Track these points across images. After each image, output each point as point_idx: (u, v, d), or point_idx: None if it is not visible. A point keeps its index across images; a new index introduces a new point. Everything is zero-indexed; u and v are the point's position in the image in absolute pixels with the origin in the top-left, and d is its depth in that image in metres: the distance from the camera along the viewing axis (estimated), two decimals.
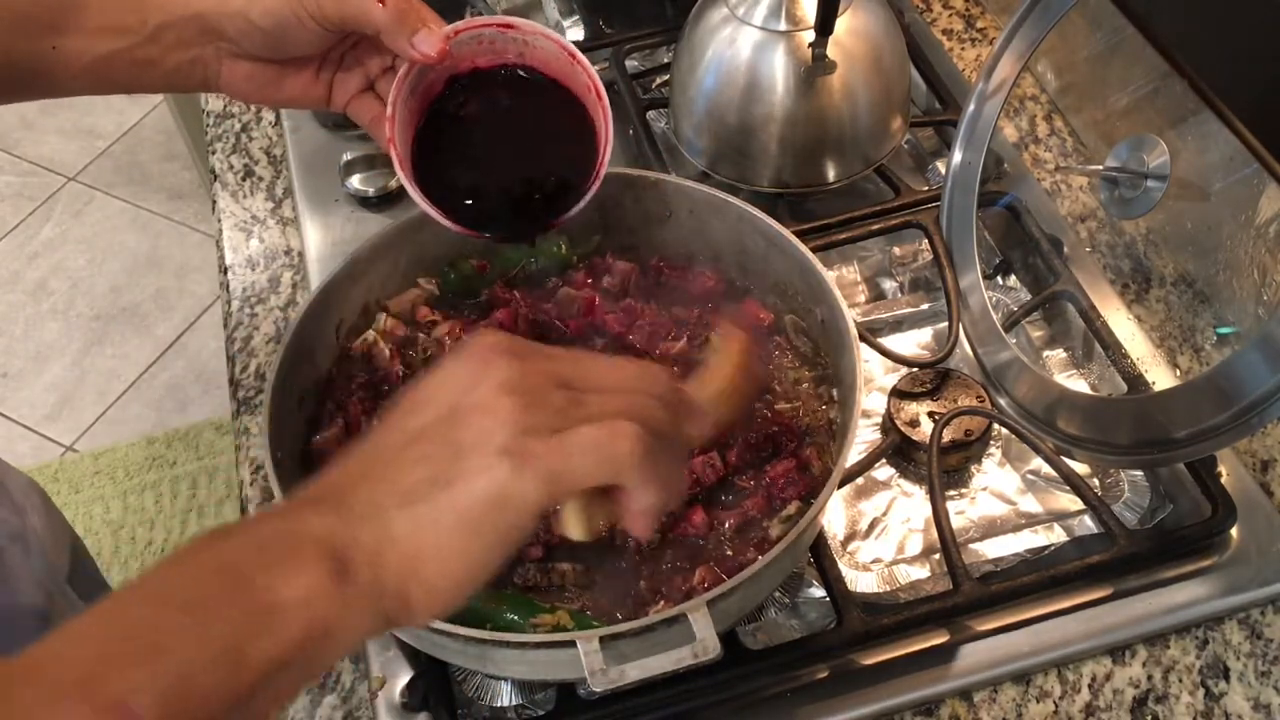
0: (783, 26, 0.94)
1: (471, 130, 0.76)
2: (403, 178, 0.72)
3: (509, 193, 0.77)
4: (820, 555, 0.77)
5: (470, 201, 0.75)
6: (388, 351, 0.82)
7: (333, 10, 0.68)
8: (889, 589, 0.80)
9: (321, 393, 0.81)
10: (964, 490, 0.86)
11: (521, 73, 0.75)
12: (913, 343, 0.97)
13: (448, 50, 0.69)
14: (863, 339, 0.81)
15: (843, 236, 0.97)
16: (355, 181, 1.05)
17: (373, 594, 0.44)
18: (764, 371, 0.71)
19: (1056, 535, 0.82)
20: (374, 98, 0.75)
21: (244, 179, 1.12)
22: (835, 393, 0.79)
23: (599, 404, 0.48)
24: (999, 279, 0.99)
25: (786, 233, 0.80)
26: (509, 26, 0.73)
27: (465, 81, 0.75)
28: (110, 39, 0.70)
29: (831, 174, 0.99)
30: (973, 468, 0.87)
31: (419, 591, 0.45)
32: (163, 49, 0.71)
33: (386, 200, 1.05)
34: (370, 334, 0.83)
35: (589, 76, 0.73)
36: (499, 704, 0.76)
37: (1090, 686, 0.76)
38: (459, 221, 0.73)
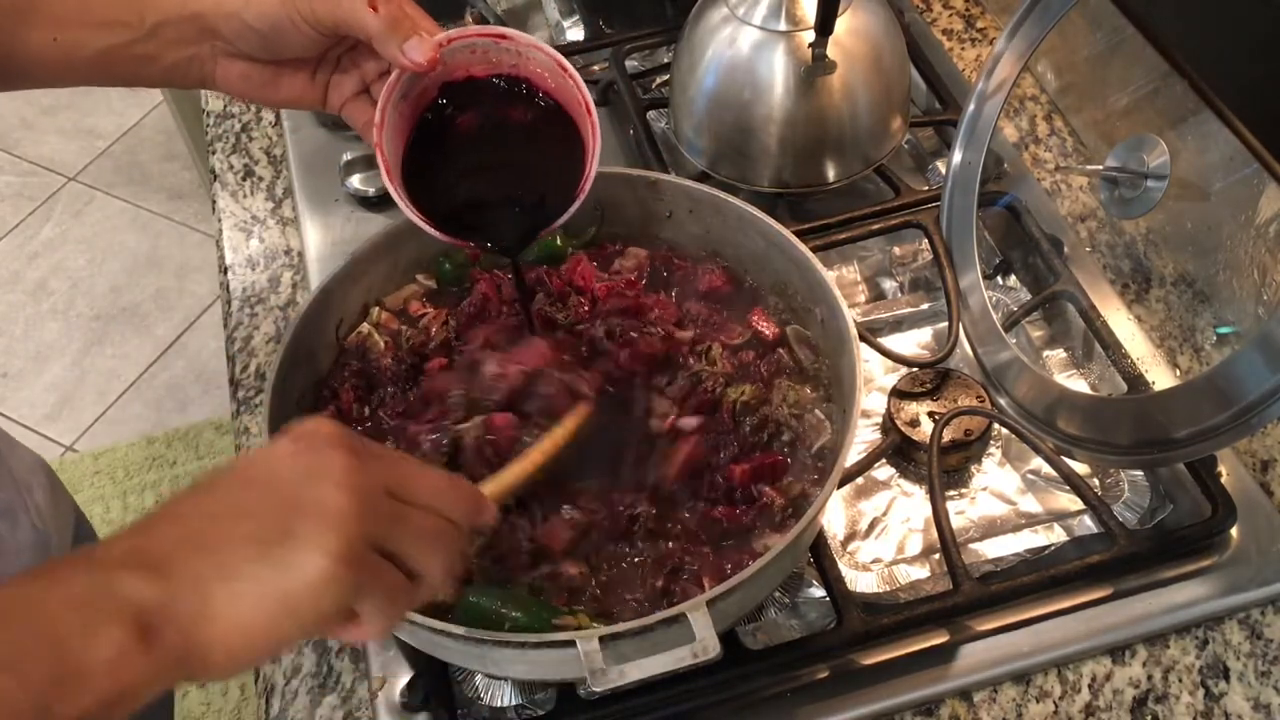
0: (783, 26, 0.94)
1: (462, 139, 0.76)
2: (387, 182, 0.72)
3: (494, 204, 0.77)
4: (820, 555, 0.77)
5: (456, 209, 0.75)
6: (381, 343, 0.82)
7: (325, 14, 0.68)
8: (889, 589, 0.80)
9: (320, 390, 0.81)
10: (964, 490, 0.86)
11: (514, 84, 0.75)
12: (913, 343, 0.97)
13: (439, 59, 0.69)
14: (863, 339, 0.81)
15: (843, 236, 0.97)
16: (355, 181, 1.05)
17: (178, 658, 0.46)
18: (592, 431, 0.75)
19: (1056, 535, 0.82)
20: (369, 101, 0.75)
21: (244, 179, 1.12)
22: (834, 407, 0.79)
23: (417, 526, 0.53)
24: (999, 279, 0.99)
25: (786, 233, 0.80)
26: (502, 37, 0.72)
27: (459, 89, 0.75)
28: (109, 34, 0.71)
29: (831, 174, 0.99)
30: (973, 468, 0.87)
31: (221, 656, 0.47)
32: (160, 46, 0.72)
33: (386, 200, 1.04)
34: (364, 327, 0.83)
35: (580, 91, 0.73)
36: (499, 704, 0.76)
37: (1090, 686, 0.76)
38: (444, 228, 0.73)
